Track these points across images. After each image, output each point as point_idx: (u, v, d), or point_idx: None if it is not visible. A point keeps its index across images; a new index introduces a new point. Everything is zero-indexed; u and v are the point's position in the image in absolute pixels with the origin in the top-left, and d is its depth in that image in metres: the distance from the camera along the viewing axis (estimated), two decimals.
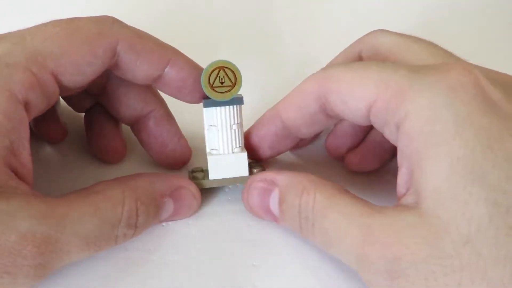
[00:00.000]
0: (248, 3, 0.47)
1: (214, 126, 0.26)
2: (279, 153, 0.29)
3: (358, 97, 0.23)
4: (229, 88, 0.26)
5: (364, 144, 0.29)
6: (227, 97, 0.26)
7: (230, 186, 0.29)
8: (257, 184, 0.26)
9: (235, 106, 0.26)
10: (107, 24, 0.24)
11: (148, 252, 0.25)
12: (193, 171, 0.28)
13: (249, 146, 0.28)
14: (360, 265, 0.21)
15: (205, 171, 0.28)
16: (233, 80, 0.26)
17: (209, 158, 0.27)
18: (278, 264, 0.25)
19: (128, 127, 0.30)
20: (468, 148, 0.19)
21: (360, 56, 0.29)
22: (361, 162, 0.29)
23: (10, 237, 0.19)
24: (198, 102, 0.27)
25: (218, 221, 0.27)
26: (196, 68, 0.26)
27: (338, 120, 0.27)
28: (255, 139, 0.28)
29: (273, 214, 0.26)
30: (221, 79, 0.25)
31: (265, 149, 0.28)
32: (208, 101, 0.26)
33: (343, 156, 0.30)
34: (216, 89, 0.26)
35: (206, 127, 0.27)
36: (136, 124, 0.29)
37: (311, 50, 0.31)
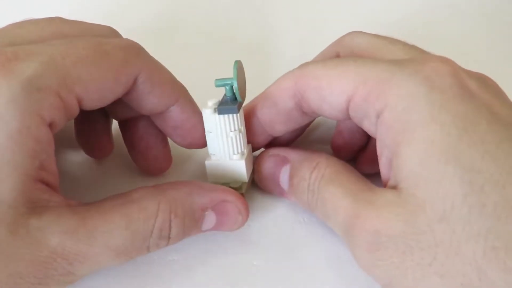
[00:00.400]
0: (249, 3, 0.47)
1: (239, 129, 0.25)
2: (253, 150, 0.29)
3: (337, 92, 0.23)
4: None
5: (373, 144, 0.28)
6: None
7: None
8: (271, 157, 0.27)
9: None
10: (134, 52, 0.24)
11: None
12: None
13: None
14: (347, 237, 0.22)
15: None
16: None
17: (242, 164, 0.26)
18: (278, 264, 0.25)
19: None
20: (443, 131, 0.20)
21: (338, 57, 0.29)
22: (374, 162, 0.28)
23: (42, 252, 0.20)
24: (186, 146, 0.27)
25: None
26: (197, 114, 0.26)
27: (313, 118, 0.27)
28: None
29: (281, 188, 0.26)
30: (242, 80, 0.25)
31: None
32: (235, 107, 0.25)
33: (351, 158, 0.29)
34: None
35: (227, 134, 0.25)
36: (126, 122, 0.29)
37: (311, 51, 0.31)
